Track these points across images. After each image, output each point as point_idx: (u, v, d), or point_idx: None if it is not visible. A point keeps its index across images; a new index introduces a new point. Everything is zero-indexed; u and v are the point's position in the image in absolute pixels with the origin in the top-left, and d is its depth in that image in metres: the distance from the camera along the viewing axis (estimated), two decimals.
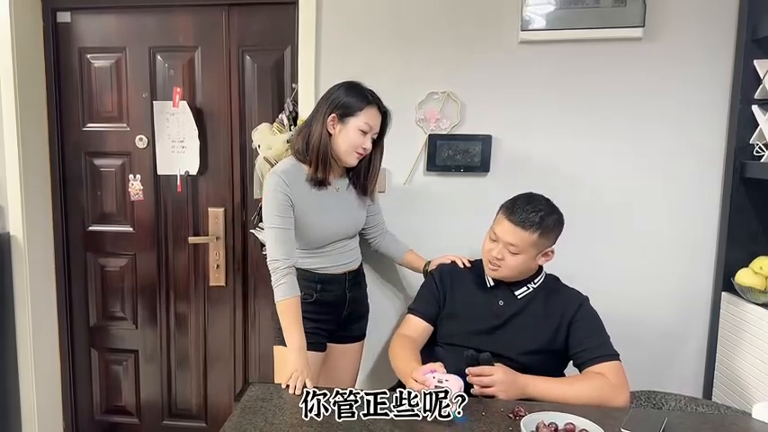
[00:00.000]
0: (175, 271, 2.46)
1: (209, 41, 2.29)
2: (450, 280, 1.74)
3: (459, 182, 2.10)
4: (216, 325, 2.46)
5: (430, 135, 2.08)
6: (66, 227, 2.49)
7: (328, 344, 1.87)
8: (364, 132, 1.67)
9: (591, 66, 2.00)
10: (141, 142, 2.37)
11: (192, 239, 2.39)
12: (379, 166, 1.81)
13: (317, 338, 1.79)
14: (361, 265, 1.94)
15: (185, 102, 2.28)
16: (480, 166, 2.06)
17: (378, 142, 1.75)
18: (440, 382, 1.31)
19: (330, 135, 1.68)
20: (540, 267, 1.68)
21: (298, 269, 1.74)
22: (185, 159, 2.32)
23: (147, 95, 2.35)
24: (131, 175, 2.41)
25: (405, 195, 2.13)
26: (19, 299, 2.35)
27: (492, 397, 1.44)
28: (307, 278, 1.77)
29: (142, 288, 2.48)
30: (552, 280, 1.71)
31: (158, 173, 2.37)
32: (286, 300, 1.61)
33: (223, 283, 2.42)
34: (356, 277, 1.89)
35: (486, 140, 2.05)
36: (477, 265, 1.75)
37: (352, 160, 1.71)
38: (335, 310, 1.85)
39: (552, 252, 1.63)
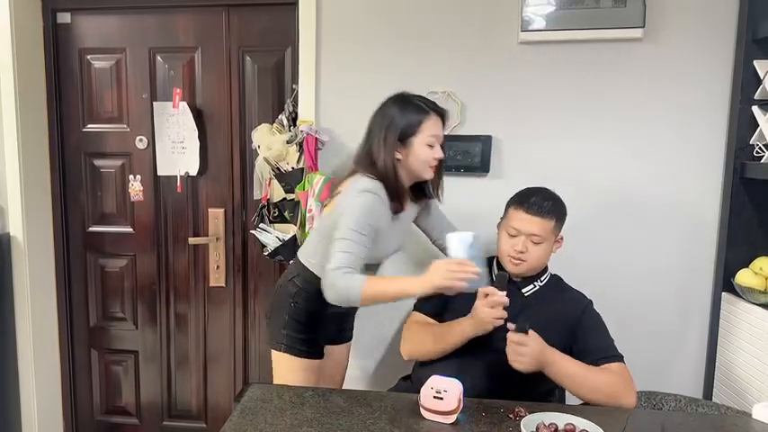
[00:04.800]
0: (175, 271, 2.46)
1: (210, 42, 2.29)
2: None
3: (460, 182, 2.10)
4: (216, 325, 2.47)
5: None
6: (66, 227, 2.49)
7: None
8: (431, 146, 1.61)
9: (591, 66, 2.00)
10: (141, 143, 2.37)
11: (191, 240, 2.39)
12: (442, 170, 1.73)
13: (317, 348, 1.79)
14: None
15: (185, 102, 2.28)
16: (480, 166, 2.06)
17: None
18: (438, 392, 1.31)
19: (399, 161, 1.62)
20: (546, 266, 1.69)
21: (318, 279, 1.65)
22: (185, 160, 2.32)
23: (147, 96, 2.35)
24: (131, 176, 2.41)
25: None
26: (19, 299, 2.35)
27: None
28: None
29: (142, 288, 2.49)
30: (556, 280, 1.72)
31: (158, 173, 2.37)
32: (364, 283, 1.48)
33: (223, 284, 2.42)
34: None
35: (485, 141, 2.05)
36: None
37: (429, 175, 1.65)
38: (342, 323, 1.88)
39: (562, 238, 1.67)
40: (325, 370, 1.89)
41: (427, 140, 1.60)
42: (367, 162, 1.64)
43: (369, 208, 1.56)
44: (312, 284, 1.70)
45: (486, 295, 1.50)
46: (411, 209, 1.76)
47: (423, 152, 1.61)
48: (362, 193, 1.58)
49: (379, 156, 1.61)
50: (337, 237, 1.55)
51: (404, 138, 1.60)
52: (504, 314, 1.49)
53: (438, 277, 1.45)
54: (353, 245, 1.53)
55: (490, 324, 1.49)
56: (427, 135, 1.60)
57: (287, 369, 1.77)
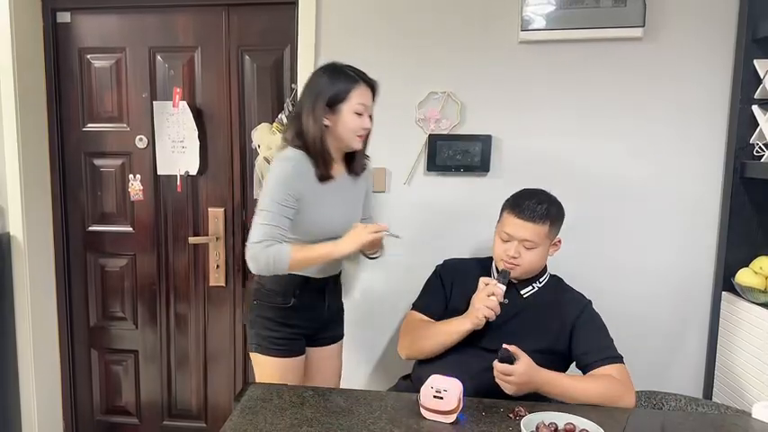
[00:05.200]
0: (175, 271, 2.46)
1: (209, 41, 2.29)
2: (454, 277, 1.74)
3: (459, 182, 2.10)
4: (216, 325, 2.46)
5: (430, 135, 2.08)
6: (66, 227, 2.49)
7: (308, 348, 1.83)
8: (359, 114, 1.62)
9: (591, 66, 2.00)
10: (141, 142, 2.37)
11: (191, 240, 2.39)
12: (367, 142, 1.75)
13: (296, 345, 1.75)
14: (341, 271, 1.88)
15: (185, 102, 2.28)
16: (480, 166, 2.06)
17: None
18: (438, 392, 1.31)
19: (327, 127, 1.63)
20: (545, 267, 1.69)
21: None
22: (185, 159, 2.32)
23: (146, 96, 2.35)
24: (131, 176, 2.41)
25: (405, 195, 2.14)
26: (19, 299, 2.34)
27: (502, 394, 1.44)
28: (286, 281, 1.70)
29: (142, 288, 2.48)
30: (556, 280, 1.72)
31: (158, 173, 2.37)
32: (288, 255, 1.55)
33: (223, 284, 2.42)
34: (336, 281, 1.85)
35: (485, 140, 2.05)
36: (482, 264, 1.75)
37: (356, 144, 1.66)
38: (313, 315, 1.79)
39: (560, 241, 1.67)
40: (316, 374, 1.85)
41: (355, 108, 1.61)
42: (294, 132, 1.65)
43: (285, 176, 1.59)
44: (270, 279, 1.71)
45: (486, 285, 1.55)
46: (347, 181, 1.74)
47: (351, 120, 1.62)
48: (279, 162, 1.62)
49: (307, 123, 1.61)
50: (257, 209, 1.61)
51: (332, 104, 1.61)
52: (498, 308, 1.52)
53: (362, 235, 1.56)
54: (273, 216, 1.57)
55: (482, 312, 1.52)
56: (356, 103, 1.61)
57: (261, 369, 1.75)
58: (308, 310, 1.77)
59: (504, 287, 1.54)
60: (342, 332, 1.94)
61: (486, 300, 1.52)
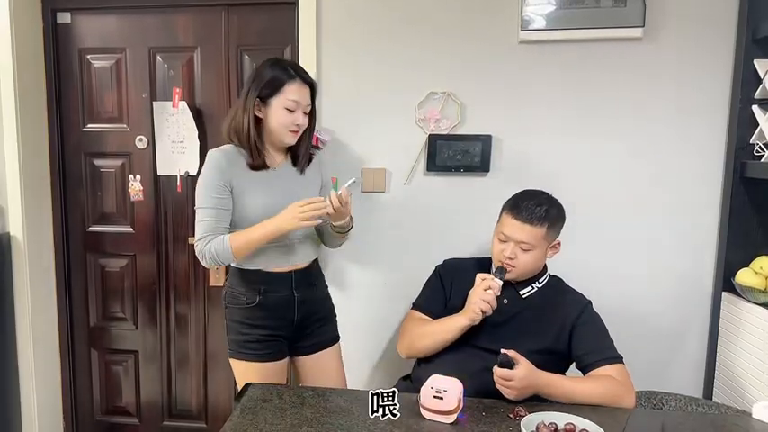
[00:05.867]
0: (175, 271, 2.46)
1: (209, 42, 2.29)
2: (453, 276, 1.74)
3: (460, 182, 2.10)
4: (216, 325, 2.46)
5: (430, 135, 2.08)
6: (66, 227, 2.49)
7: (302, 357, 1.80)
8: (291, 110, 1.63)
9: (591, 66, 2.00)
10: (141, 143, 2.37)
11: (192, 240, 2.38)
12: (310, 138, 1.77)
13: (274, 347, 1.71)
14: (314, 262, 1.83)
15: (185, 102, 2.28)
16: (480, 166, 2.06)
17: (310, 115, 1.71)
18: (438, 392, 1.31)
19: (259, 120, 1.65)
20: (545, 267, 1.69)
21: (237, 270, 1.71)
22: (185, 160, 2.32)
23: (146, 96, 2.35)
24: (131, 176, 2.41)
25: (405, 196, 2.14)
26: (19, 299, 2.34)
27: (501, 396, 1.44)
28: (248, 279, 1.69)
29: (142, 288, 2.48)
30: (556, 281, 1.72)
31: (158, 173, 2.37)
32: (228, 242, 1.59)
33: (222, 284, 2.41)
34: (306, 276, 1.77)
35: (485, 140, 2.05)
36: (482, 264, 1.75)
37: (289, 140, 1.68)
38: (284, 314, 1.73)
39: (559, 244, 1.66)
40: (319, 382, 1.76)
41: (286, 104, 1.62)
42: (227, 121, 1.69)
43: (211, 167, 1.63)
44: (235, 279, 1.72)
45: (483, 280, 1.56)
46: (291, 172, 1.74)
47: (280, 115, 1.63)
48: (208, 155, 1.67)
49: (239, 111, 1.65)
50: (195, 208, 1.65)
51: (264, 96, 1.63)
52: (495, 302, 1.52)
53: (295, 215, 1.56)
54: (208, 211, 1.61)
55: (478, 306, 1.52)
56: (288, 98, 1.62)
57: (238, 376, 1.72)
58: (278, 307, 1.72)
59: (500, 282, 1.55)
60: (335, 334, 1.89)
61: (483, 294, 1.53)
